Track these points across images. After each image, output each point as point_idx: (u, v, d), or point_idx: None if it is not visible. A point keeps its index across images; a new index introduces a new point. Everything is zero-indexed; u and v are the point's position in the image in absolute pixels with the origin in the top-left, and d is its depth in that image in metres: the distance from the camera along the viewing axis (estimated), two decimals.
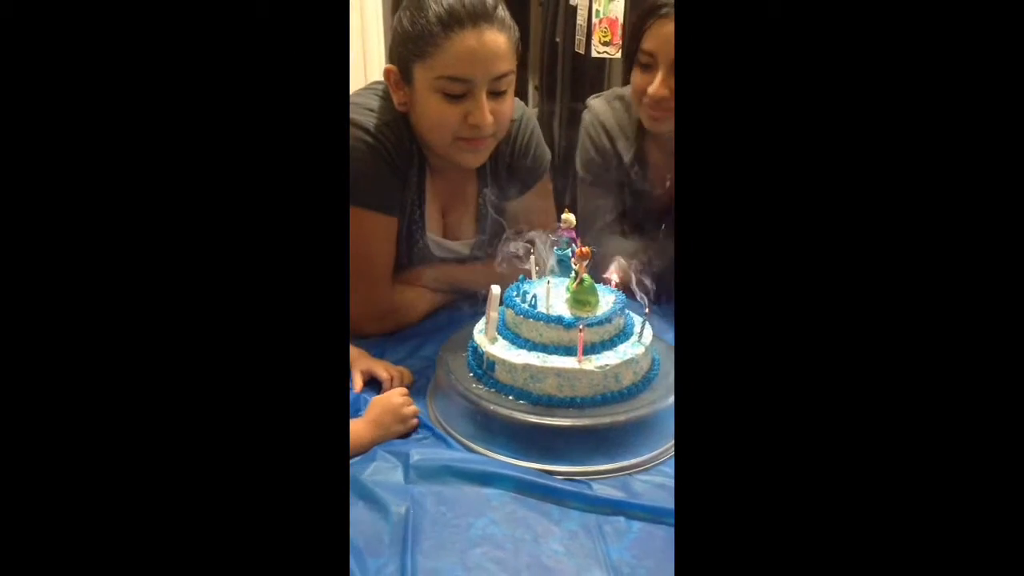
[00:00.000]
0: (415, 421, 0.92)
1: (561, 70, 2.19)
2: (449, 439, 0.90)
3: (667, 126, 1.15)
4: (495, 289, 0.92)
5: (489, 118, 1.02)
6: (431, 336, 1.14)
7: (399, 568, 0.70)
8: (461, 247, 1.23)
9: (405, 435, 0.91)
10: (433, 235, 1.19)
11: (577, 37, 2.05)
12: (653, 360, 0.95)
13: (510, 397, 0.88)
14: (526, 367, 0.87)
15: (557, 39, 2.19)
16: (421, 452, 0.84)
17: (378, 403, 0.92)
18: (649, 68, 1.12)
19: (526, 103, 1.96)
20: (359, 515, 0.76)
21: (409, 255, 1.17)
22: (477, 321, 0.98)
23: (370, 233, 1.09)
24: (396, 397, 0.93)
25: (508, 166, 1.21)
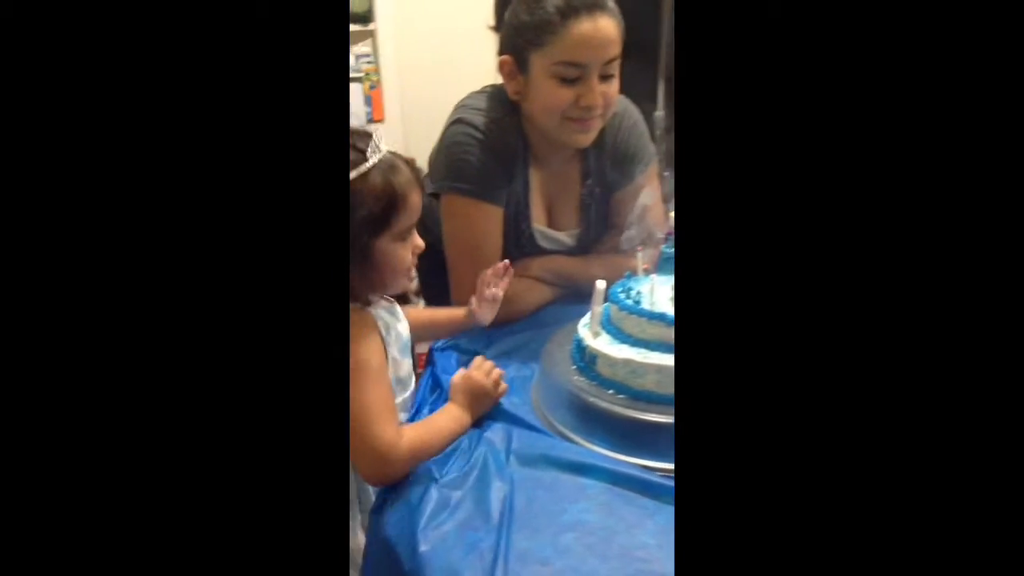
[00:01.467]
0: (504, 387, 0.96)
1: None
2: (548, 430, 0.92)
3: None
4: (600, 284, 0.94)
5: (599, 99, 1.10)
6: (541, 330, 1.17)
7: (494, 544, 0.73)
8: (566, 237, 1.27)
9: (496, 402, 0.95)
10: (539, 225, 1.23)
11: None
12: None
13: (610, 391, 0.90)
14: (627, 362, 0.88)
15: None
16: (521, 439, 0.87)
17: (464, 387, 0.93)
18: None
19: None
20: (460, 494, 0.80)
21: (517, 245, 1.22)
22: (584, 315, 1.00)
23: (479, 222, 1.16)
24: (479, 376, 0.94)
25: (611, 157, 1.23)
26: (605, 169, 1.24)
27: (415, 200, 0.86)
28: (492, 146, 1.14)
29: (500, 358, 1.08)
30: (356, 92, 2.70)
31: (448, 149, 1.16)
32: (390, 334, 0.92)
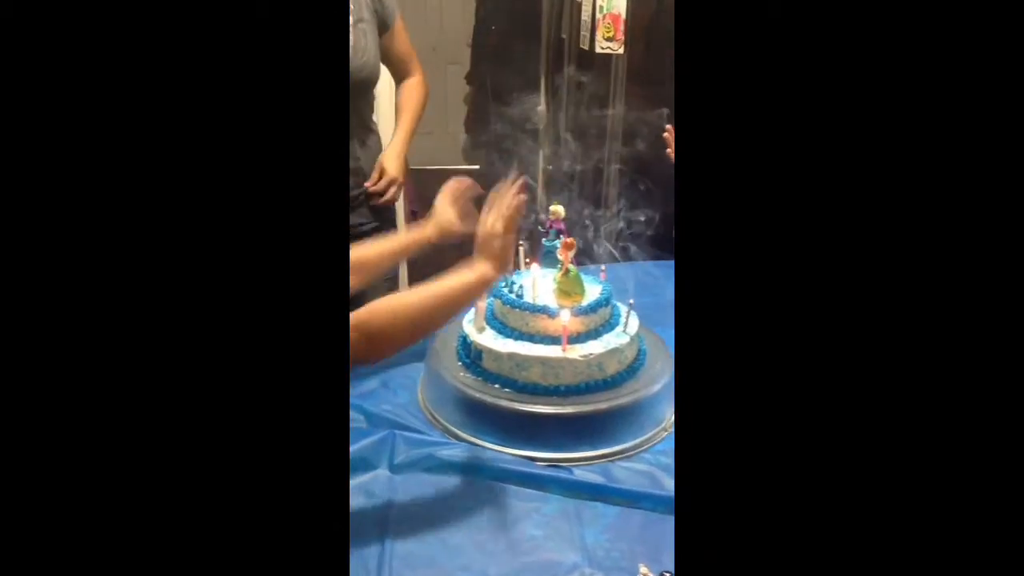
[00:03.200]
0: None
1: (567, 66, 2.19)
2: (437, 429, 0.91)
3: None
4: None
5: None
6: None
7: (379, 551, 0.71)
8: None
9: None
10: None
11: (582, 33, 2.05)
12: (640, 350, 0.95)
13: (496, 385, 0.89)
14: (512, 356, 0.88)
15: (563, 35, 2.19)
16: (404, 442, 0.85)
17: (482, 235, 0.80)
18: None
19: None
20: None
21: None
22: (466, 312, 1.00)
23: None
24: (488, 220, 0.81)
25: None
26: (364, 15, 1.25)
27: None
28: None
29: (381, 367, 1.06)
30: None
31: None
32: None
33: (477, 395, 0.89)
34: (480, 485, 0.80)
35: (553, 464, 0.84)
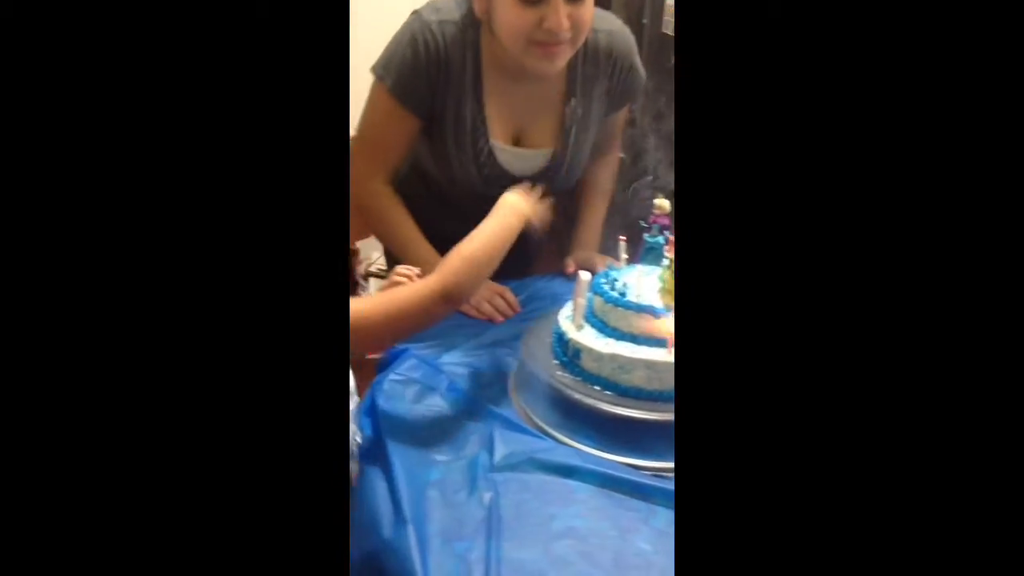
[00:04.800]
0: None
1: (648, 51, 2.12)
2: (529, 427, 0.88)
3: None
4: (585, 275, 0.90)
5: (565, 23, 1.00)
6: (511, 324, 1.13)
7: (484, 555, 0.69)
8: (537, 156, 1.19)
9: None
10: (500, 143, 1.16)
11: (664, 18, 1.98)
12: None
13: (596, 387, 0.86)
14: (614, 357, 0.85)
15: (644, 20, 2.12)
16: (504, 439, 0.83)
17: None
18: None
19: None
20: (441, 498, 0.75)
21: (477, 163, 1.16)
22: (562, 306, 0.96)
23: (386, 118, 1.11)
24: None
25: (605, 78, 1.17)
26: (591, 91, 1.17)
27: None
28: (431, 51, 1.08)
29: (473, 351, 1.03)
30: None
31: (395, 37, 1.12)
32: None
33: (576, 396, 0.86)
34: (583, 492, 0.77)
35: (657, 474, 0.80)
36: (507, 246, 0.86)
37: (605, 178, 1.31)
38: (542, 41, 1.03)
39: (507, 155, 1.18)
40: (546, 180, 1.20)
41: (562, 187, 1.25)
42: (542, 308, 1.14)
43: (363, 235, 1.28)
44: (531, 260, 1.35)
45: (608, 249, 1.27)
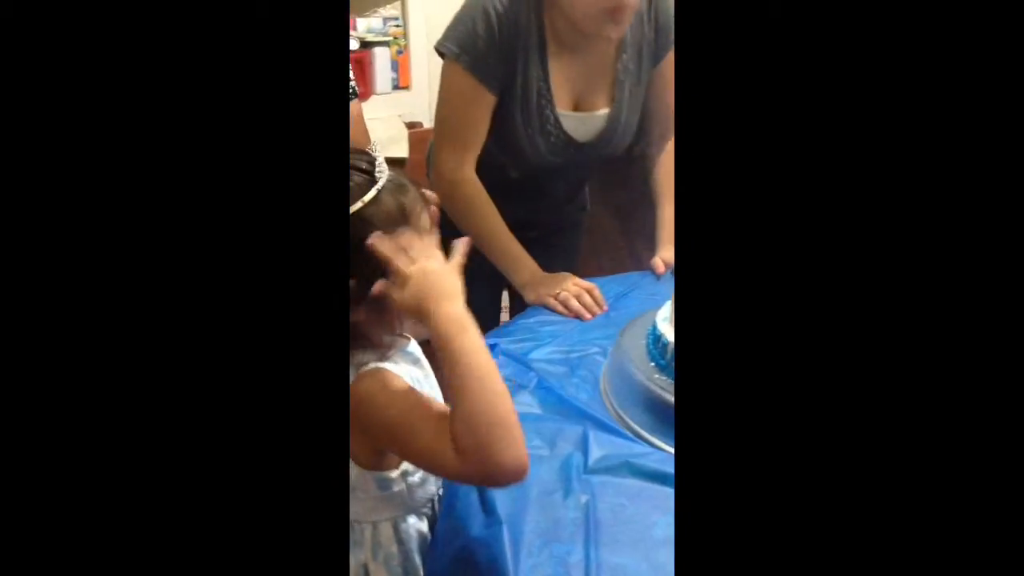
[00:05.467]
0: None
1: None
2: (625, 431, 0.86)
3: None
4: None
5: None
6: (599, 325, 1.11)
7: (583, 558, 0.67)
8: (596, 119, 1.20)
9: None
10: (564, 110, 1.17)
11: None
12: None
13: None
14: None
15: None
16: (600, 442, 0.81)
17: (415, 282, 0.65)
18: None
19: None
20: (537, 498, 0.74)
21: (543, 132, 1.16)
22: (656, 307, 0.94)
23: (464, 94, 1.11)
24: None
25: (652, 28, 1.18)
26: (642, 43, 1.18)
27: (425, 220, 0.73)
28: (500, 23, 1.08)
29: (562, 350, 1.02)
30: (383, 57, 2.60)
31: (460, 11, 1.13)
32: (422, 388, 0.75)
33: (675, 401, 0.83)
34: None
35: None
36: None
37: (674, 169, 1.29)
38: (614, 7, 1.04)
39: (571, 121, 1.18)
40: (606, 143, 1.21)
41: (620, 148, 1.25)
42: (631, 307, 1.12)
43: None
44: (576, 265, 1.34)
45: None
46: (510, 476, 0.62)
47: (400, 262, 0.64)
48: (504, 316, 1.44)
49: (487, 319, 1.29)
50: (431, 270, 0.65)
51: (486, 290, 1.29)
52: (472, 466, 0.61)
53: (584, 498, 0.74)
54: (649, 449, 0.82)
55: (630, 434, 0.85)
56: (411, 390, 0.69)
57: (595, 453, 0.80)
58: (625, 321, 1.02)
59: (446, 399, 0.71)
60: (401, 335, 0.77)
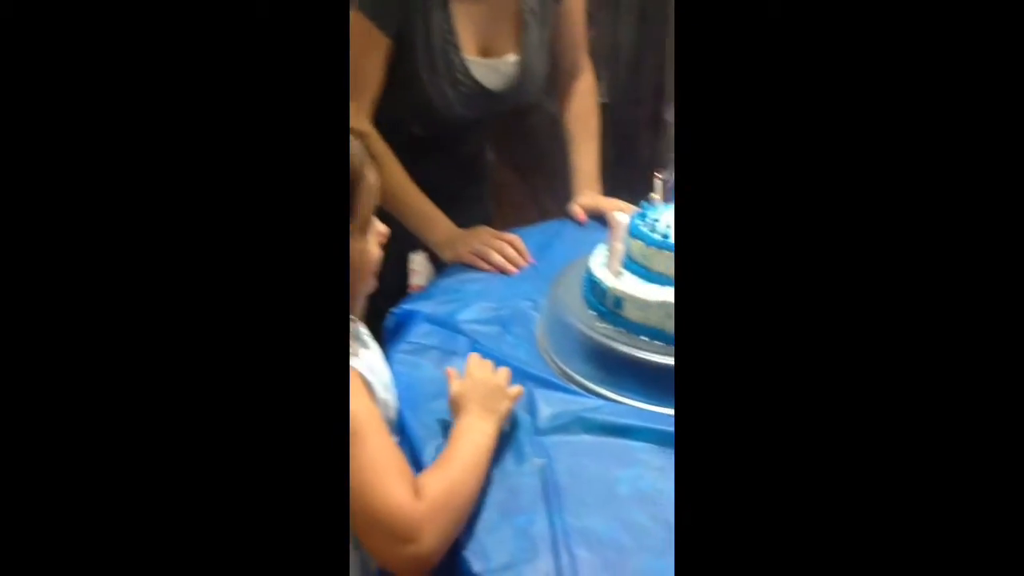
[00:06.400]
0: (519, 389, 0.73)
1: None
2: (572, 386, 0.80)
3: None
4: (622, 218, 0.81)
5: None
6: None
7: (548, 527, 0.61)
8: (505, 65, 1.11)
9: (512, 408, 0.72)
10: (471, 55, 1.08)
11: None
12: None
13: (643, 337, 0.78)
14: (662, 304, 0.77)
15: None
16: (549, 402, 0.74)
17: (472, 392, 0.70)
18: None
19: None
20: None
21: (453, 84, 1.07)
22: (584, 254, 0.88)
23: (359, 41, 0.99)
24: (490, 373, 0.73)
25: None
26: None
27: (372, 179, 0.67)
28: None
29: (490, 307, 0.94)
30: None
31: None
32: (373, 373, 0.69)
33: (621, 348, 0.78)
34: (643, 452, 0.70)
35: None
36: (483, 472, 0.65)
37: (584, 111, 1.23)
38: None
39: (480, 68, 1.09)
40: (518, 91, 1.14)
41: (533, 96, 1.18)
42: (556, 257, 1.06)
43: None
44: (489, 216, 1.28)
45: (613, 192, 1.19)
46: (423, 561, 0.59)
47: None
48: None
49: (394, 287, 1.19)
50: (495, 385, 0.72)
51: (392, 255, 1.19)
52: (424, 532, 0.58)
53: (539, 462, 0.68)
54: (600, 402, 0.76)
55: (577, 388, 0.79)
56: (364, 393, 0.65)
57: (544, 412, 0.73)
58: (553, 272, 0.95)
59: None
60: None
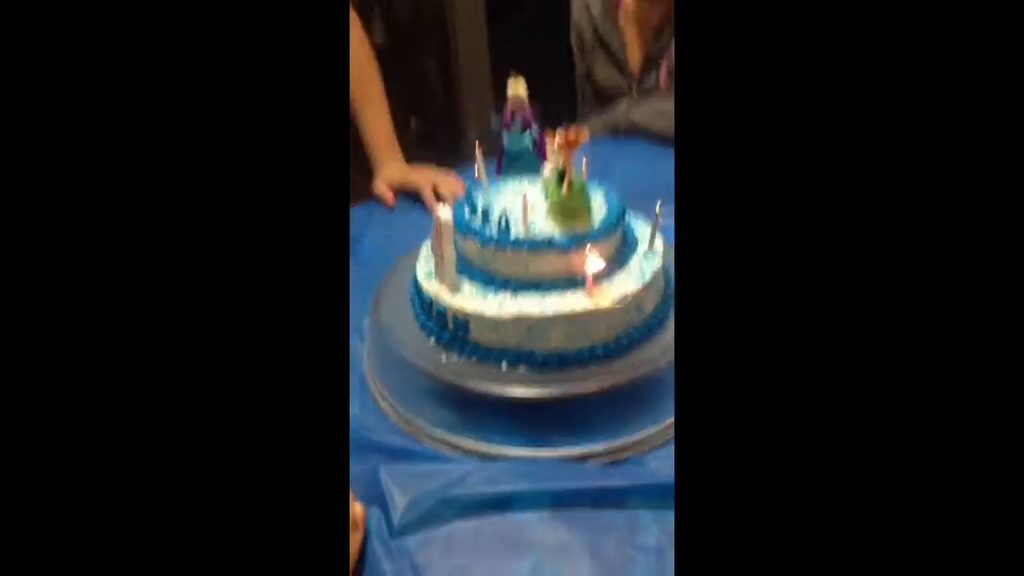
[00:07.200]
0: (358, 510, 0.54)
1: None
2: (424, 444, 0.62)
3: None
4: (444, 214, 0.62)
5: None
6: None
7: None
8: None
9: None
10: None
11: None
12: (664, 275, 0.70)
13: (502, 365, 0.61)
14: (518, 319, 0.60)
15: None
16: (401, 485, 0.56)
17: None
18: None
19: None
20: None
21: None
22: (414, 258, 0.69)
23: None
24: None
25: None
26: None
27: None
28: None
29: None
30: None
31: None
32: None
33: (476, 385, 0.60)
34: (535, 526, 0.54)
35: (614, 460, 0.60)
36: None
37: (359, 68, 1.03)
38: None
39: None
40: None
41: None
42: (368, 254, 0.85)
43: None
44: None
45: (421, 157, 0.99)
46: None
47: None
48: None
49: None
50: None
51: None
52: None
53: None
54: (465, 466, 0.59)
55: (431, 446, 0.62)
56: None
57: (398, 502, 0.55)
58: (371, 281, 0.75)
59: None
60: None
